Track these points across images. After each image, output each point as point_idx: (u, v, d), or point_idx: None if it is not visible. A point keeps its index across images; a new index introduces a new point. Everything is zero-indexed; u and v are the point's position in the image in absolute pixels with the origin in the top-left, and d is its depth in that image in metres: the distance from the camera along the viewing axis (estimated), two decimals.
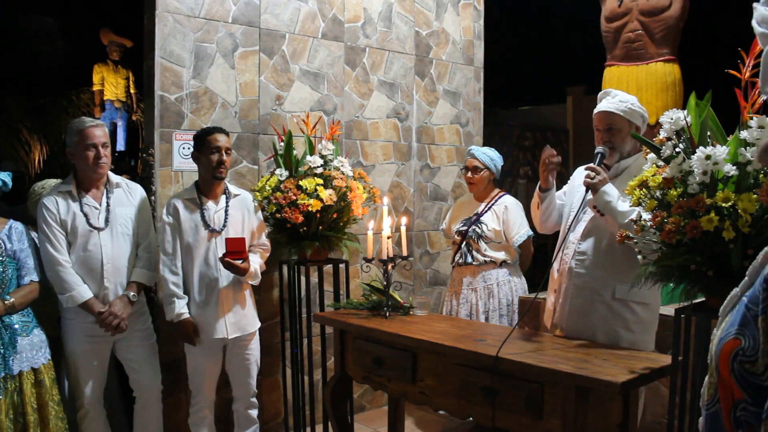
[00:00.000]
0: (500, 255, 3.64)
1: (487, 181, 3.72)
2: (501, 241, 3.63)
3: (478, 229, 3.63)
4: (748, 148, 1.82)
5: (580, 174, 2.74)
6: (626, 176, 2.52)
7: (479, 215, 3.67)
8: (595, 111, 2.64)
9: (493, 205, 3.68)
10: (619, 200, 2.42)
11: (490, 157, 3.69)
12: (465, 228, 3.68)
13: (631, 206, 2.21)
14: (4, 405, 2.54)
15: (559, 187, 2.84)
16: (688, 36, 4.19)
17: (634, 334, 2.57)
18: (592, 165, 2.50)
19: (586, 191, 2.48)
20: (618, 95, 2.62)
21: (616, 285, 2.55)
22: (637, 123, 2.59)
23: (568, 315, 2.66)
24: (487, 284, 3.62)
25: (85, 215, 2.87)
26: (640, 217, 2.05)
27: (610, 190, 2.44)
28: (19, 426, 2.58)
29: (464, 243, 3.67)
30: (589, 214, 2.61)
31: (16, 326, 2.64)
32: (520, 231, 3.62)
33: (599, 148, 2.57)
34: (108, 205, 2.94)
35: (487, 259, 3.62)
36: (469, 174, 3.69)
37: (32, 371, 2.65)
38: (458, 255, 3.70)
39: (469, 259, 3.64)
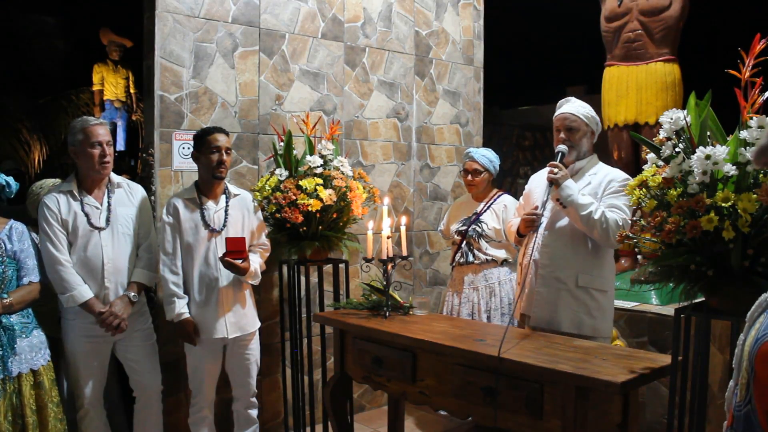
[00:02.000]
0: (501, 253, 3.64)
1: (486, 182, 3.73)
2: (501, 240, 3.64)
3: (478, 228, 3.64)
4: (747, 148, 1.82)
5: (536, 178, 3.02)
6: (581, 175, 2.81)
7: (478, 215, 3.68)
8: (557, 113, 2.87)
9: (492, 204, 3.69)
10: (579, 193, 2.67)
11: (489, 158, 3.70)
12: (465, 228, 3.68)
13: (630, 205, 2.23)
14: (3, 407, 2.51)
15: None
16: (688, 36, 4.19)
17: (595, 320, 2.78)
18: (554, 162, 2.74)
19: (549, 186, 2.70)
20: (577, 102, 2.88)
21: (578, 274, 2.77)
22: (593, 128, 2.86)
23: (535, 304, 2.84)
24: (489, 283, 3.63)
25: (86, 215, 2.87)
26: (635, 218, 2.10)
27: (572, 185, 2.69)
28: (18, 428, 2.56)
29: (464, 242, 3.68)
30: (550, 209, 2.81)
31: (16, 327, 2.62)
32: None
33: (560, 147, 2.80)
34: (109, 205, 2.94)
35: (488, 257, 3.63)
36: (469, 177, 3.70)
37: (31, 373, 2.63)
38: (459, 254, 3.71)
39: (471, 258, 3.65)
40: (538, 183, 2.95)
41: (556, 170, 2.69)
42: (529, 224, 2.81)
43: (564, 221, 2.79)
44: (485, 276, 3.64)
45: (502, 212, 3.65)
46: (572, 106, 2.85)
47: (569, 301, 2.77)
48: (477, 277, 3.65)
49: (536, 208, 2.79)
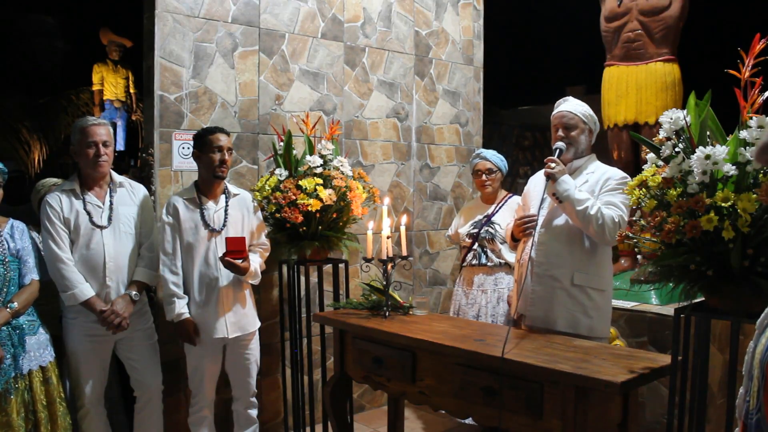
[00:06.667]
0: (513, 259, 3.64)
1: (499, 182, 3.75)
2: None
3: (491, 230, 3.63)
4: (747, 147, 1.82)
5: (535, 178, 3.01)
6: (578, 174, 2.80)
7: (490, 216, 3.68)
8: (555, 112, 2.88)
9: (503, 204, 3.70)
10: (576, 189, 2.64)
11: (500, 158, 3.74)
12: (476, 230, 3.68)
13: (630, 205, 2.23)
14: (16, 404, 2.57)
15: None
16: (688, 36, 4.20)
17: (592, 320, 2.74)
18: (551, 157, 2.72)
19: (546, 181, 2.68)
20: (575, 101, 2.89)
21: (574, 272, 2.73)
22: (591, 126, 2.86)
23: (531, 303, 2.80)
24: (498, 287, 3.61)
25: (88, 213, 2.87)
26: (634, 218, 2.08)
27: (568, 180, 2.66)
28: (30, 424, 2.62)
29: (476, 244, 3.67)
30: (547, 207, 2.80)
31: (24, 326, 2.67)
32: None
33: (558, 144, 2.79)
34: (111, 203, 2.94)
35: (501, 261, 3.62)
36: (484, 177, 3.71)
37: (40, 369, 2.68)
38: (471, 256, 3.69)
39: (484, 260, 3.64)
40: (536, 183, 2.95)
41: (553, 165, 2.67)
42: (523, 230, 2.82)
43: (560, 219, 2.76)
44: (495, 280, 3.63)
45: (515, 212, 3.66)
46: (570, 105, 2.86)
47: (564, 300, 2.73)
48: (488, 280, 3.64)
49: (529, 214, 2.81)
